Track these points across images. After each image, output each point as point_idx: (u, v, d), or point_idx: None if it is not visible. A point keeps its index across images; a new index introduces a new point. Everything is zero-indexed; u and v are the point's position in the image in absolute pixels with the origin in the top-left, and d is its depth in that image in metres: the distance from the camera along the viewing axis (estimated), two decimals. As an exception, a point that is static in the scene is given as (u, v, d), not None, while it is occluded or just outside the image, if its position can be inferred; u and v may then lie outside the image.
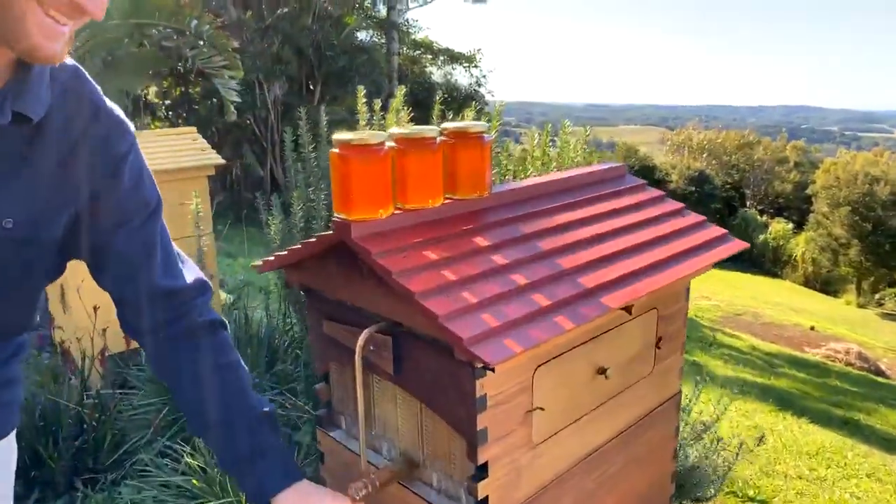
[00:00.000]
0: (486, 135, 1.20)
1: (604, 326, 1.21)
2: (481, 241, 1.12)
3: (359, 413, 1.15)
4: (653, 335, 1.35)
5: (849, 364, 8.72)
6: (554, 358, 1.12)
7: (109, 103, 0.98)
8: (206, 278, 1.12)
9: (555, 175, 1.45)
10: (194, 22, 6.83)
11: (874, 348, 10.20)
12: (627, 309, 1.21)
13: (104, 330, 2.63)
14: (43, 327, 3.45)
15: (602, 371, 1.22)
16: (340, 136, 1.04)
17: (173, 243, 1.10)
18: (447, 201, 1.18)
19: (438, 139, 1.14)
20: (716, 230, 1.43)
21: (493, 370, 0.97)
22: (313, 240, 1.12)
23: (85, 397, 2.50)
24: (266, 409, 1.08)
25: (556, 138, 2.70)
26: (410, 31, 15.64)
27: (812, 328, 10.89)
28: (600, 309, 1.06)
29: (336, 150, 1.04)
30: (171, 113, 12.09)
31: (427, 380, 1.07)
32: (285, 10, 11.16)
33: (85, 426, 2.42)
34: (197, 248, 2.49)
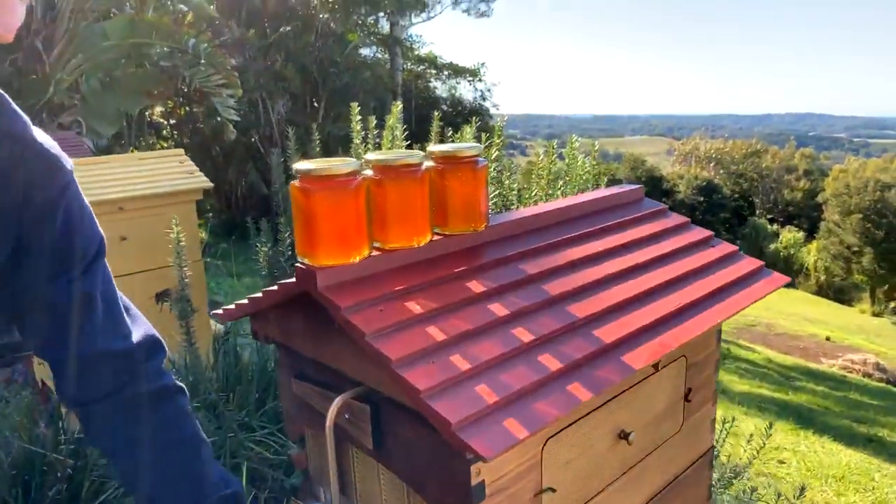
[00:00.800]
0: (480, 158, 1.01)
1: (625, 384, 1.02)
2: (476, 286, 0.93)
3: (333, 493, 0.96)
4: (681, 387, 1.15)
5: (866, 375, 8.47)
6: (566, 427, 0.93)
7: (41, 136, 0.81)
8: (157, 335, 0.94)
9: (564, 201, 1.26)
10: (192, 41, 6.72)
11: (891, 358, 9.93)
12: (654, 364, 1.02)
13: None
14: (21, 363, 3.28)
15: (624, 436, 1.02)
16: (301, 165, 0.85)
17: (119, 293, 0.92)
18: (436, 238, 0.99)
19: (424, 165, 0.96)
20: (751, 262, 1.24)
21: (491, 455, 0.78)
22: (275, 288, 0.93)
23: (62, 441, 2.32)
24: (227, 491, 0.90)
25: (562, 151, 2.52)
26: (414, 46, 15.55)
27: (827, 338, 10.62)
28: (623, 371, 0.87)
29: (296, 183, 0.85)
30: (175, 132, 12.00)
31: (412, 459, 0.88)
32: (288, 27, 11.07)
33: (59, 474, 2.24)
34: (179, 279, 2.31)
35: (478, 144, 1.01)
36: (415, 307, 0.86)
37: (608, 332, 0.92)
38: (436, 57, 15.94)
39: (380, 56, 14.36)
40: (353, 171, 0.86)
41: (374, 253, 0.93)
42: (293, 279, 0.89)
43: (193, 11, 8.31)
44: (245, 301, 1.02)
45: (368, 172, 0.92)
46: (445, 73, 15.77)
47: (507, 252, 1.04)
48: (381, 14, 13.68)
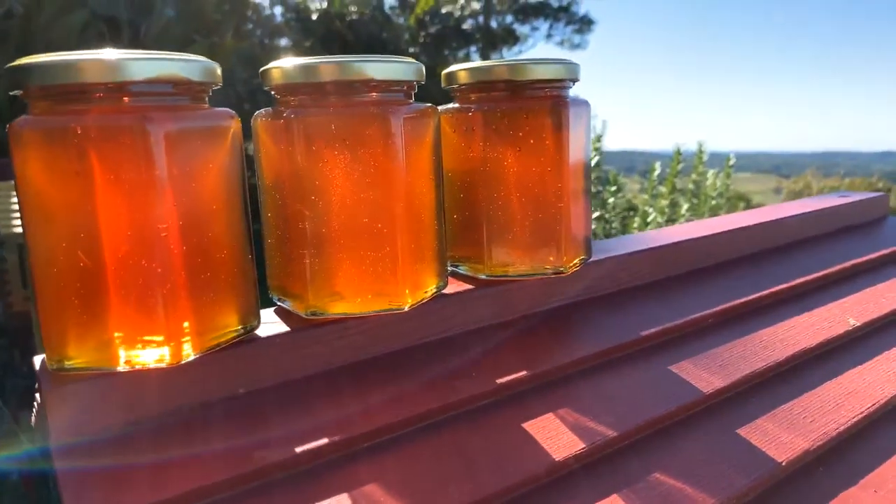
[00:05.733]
0: (569, 91, 0.41)
1: None
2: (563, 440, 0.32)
3: None
4: None
5: None
6: None
7: None
8: None
9: (739, 218, 0.63)
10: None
11: None
12: None
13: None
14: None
15: None
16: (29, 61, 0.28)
17: None
18: (460, 289, 0.40)
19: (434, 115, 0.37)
20: None
21: None
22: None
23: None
24: None
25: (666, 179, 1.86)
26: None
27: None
28: None
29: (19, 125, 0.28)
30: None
31: None
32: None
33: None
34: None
35: (565, 60, 0.42)
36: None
37: None
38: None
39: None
40: (202, 86, 0.29)
41: (267, 330, 0.34)
42: None
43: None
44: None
45: (263, 113, 0.34)
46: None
47: (634, 326, 0.43)
48: (473, 48, 13.36)
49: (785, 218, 0.62)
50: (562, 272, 0.42)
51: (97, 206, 0.28)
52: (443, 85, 0.44)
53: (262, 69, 0.36)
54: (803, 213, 0.64)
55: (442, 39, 11.83)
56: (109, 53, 0.28)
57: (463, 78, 0.41)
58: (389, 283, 0.35)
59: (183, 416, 0.31)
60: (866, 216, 0.70)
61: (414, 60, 0.36)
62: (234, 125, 0.32)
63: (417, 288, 0.36)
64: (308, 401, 0.33)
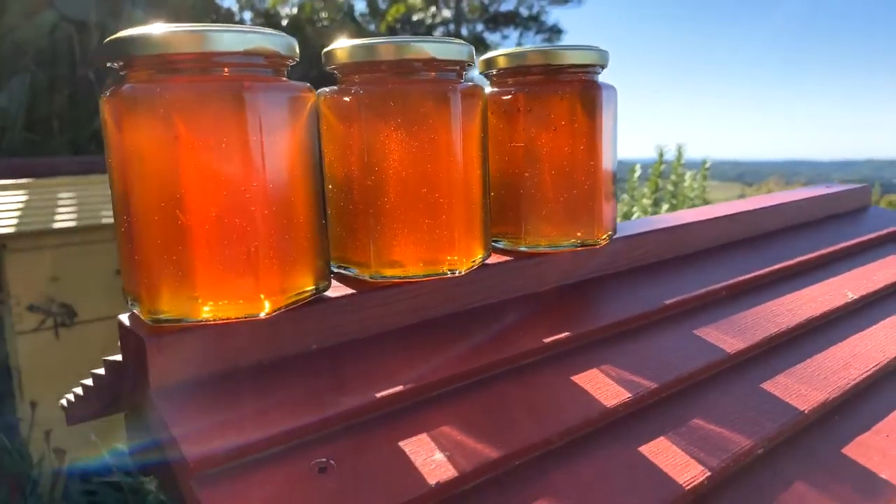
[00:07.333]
0: (599, 78, 0.44)
1: None
2: (605, 389, 0.35)
3: None
4: None
5: None
6: None
7: None
8: None
9: (741, 203, 0.67)
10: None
11: None
12: None
13: (47, 433, 1.96)
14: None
15: None
16: (132, 33, 0.31)
17: None
18: (497, 260, 0.43)
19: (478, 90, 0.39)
20: None
21: None
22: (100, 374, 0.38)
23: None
24: None
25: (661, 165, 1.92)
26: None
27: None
28: None
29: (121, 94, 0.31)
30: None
31: None
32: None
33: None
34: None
35: (596, 46, 0.45)
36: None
37: None
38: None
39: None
40: (285, 59, 0.31)
41: (334, 292, 0.36)
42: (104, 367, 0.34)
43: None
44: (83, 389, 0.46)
45: (327, 91, 0.37)
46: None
47: (658, 296, 0.46)
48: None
49: (780, 204, 0.66)
50: (594, 245, 0.45)
51: (194, 169, 0.30)
52: (479, 71, 0.47)
53: (325, 49, 0.38)
54: (797, 201, 0.68)
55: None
56: (206, 27, 0.30)
57: (501, 63, 0.44)
58: (445, 250, 0.38)
59: (265, 367, 0.33)
60: (852, 204, 0.75)
61: (467, 43, 0.39)
62: (311, 97, 0.34)
63: (469, 256, 0.39)
64: (375, 356, 0.35)
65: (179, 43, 0.30)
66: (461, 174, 0.38)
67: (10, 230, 1.72)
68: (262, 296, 0.31)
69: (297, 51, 0.34)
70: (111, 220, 1.81)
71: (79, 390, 0.46)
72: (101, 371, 0.39)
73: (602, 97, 0.44)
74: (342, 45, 0.37)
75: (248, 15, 7.67)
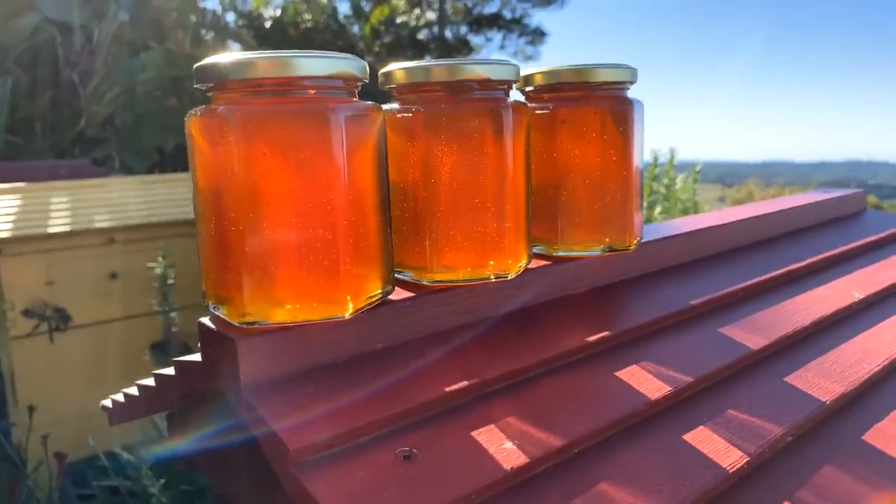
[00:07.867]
0: (628, 91, 0.48)
1: None
2: (648, 384, 0.38)
3: None
4: None
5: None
6: None
7: None
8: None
9: (744, 210, 0.71)
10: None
11: None
12: None
13: (45, 437, 1.95)
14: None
15: None
16: (219, 59, 0.33)
17: None
18: (539, 265, 0.46)
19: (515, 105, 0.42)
20: None
21: None
22: (169, 373, 0.40)
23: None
24: None
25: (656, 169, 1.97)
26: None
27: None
28: None
29: (209, 113, 0.33)
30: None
31: None
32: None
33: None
34: (164, 327, 1.81)
35: (626, 64, 0.48)
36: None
37: None
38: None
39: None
40: (353, 81, 0.34)
41: (396, 295, 0.39)
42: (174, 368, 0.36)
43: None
44: (134, 390, 0.49)
45: (393, 107, 0.40)
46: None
47: (683, 297, 0.49)
48: (427, 58, 13.48)
49: (783, 210, 0.70)
50: (625, 250, 0.48)
51: (282, 183, 0.32)
52: (516, 87, 0.50)
53: (382, 70, 0.41)
54: (799, 206, 0.72)
55: (396, 49, 11.89)
56: (293, 53, 0.33)
57: (539, 80, 0.47)
58: (495, 255, 0.41)
59: (340, 365, 0.36)
60: (850, 209, 0.79)
61: (515, 63, 0.42)
62: (380, 115, 0.37)
63: (516, 261, 0.42)
64: (436, 353, 0.38)
65: (269, 68, 0.32)
66: (510, 185, 0.41)
67: (5, 234, 1.72)
68: (348, 297, 0.34)
69: (368, 72, 0.36)
70: (105, 225, 1.84)
71: (132, 390, 0.49)
72: (169, 371, 0.41)
73: (632, 112, 0.47)
74: (401, 67, 0.40)
75: (231, 17, 7.63)
